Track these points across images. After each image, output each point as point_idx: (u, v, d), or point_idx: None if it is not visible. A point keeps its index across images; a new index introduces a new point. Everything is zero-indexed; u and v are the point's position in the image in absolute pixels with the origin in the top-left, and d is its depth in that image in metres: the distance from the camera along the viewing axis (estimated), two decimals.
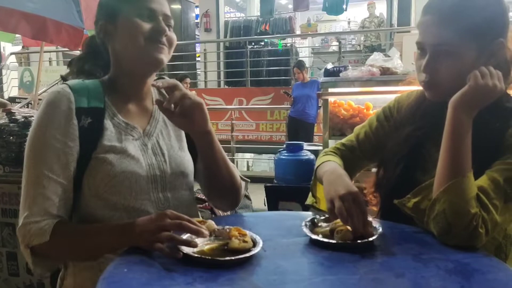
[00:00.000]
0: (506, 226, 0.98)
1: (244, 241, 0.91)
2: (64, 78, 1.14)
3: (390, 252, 0.90)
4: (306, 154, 2.95)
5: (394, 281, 0.77)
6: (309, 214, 1.12)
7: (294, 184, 2.82)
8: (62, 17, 3.03)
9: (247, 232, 0.95)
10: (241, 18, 11.72)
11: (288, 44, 10.15)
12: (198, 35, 10.76)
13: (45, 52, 5.73)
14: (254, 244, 0.92)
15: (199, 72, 9.87)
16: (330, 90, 2.71)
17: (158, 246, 0.86)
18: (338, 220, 1.02)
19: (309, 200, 1.33)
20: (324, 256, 0.89)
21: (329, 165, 1.21)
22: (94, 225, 1.01)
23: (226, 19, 10.93)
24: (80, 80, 1.08)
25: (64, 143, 0.99)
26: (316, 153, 3.04)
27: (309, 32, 11.08)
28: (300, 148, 2.96)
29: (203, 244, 0.93)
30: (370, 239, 0.94)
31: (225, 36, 10.39)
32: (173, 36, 1.09)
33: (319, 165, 1.24)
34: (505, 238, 1.04)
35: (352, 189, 1.02)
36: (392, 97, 2.61)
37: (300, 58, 8.40)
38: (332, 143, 2.81)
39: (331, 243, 0.93)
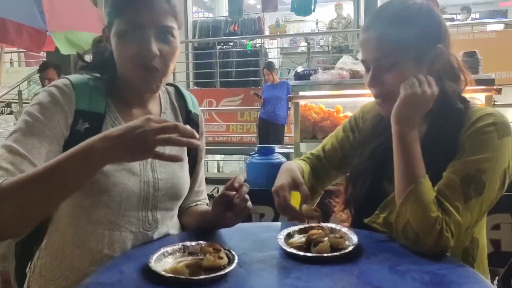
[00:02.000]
0: (470, 226, 1.00)
1: (219, 257, 0.88)
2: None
3: (367, 264, 0.89)
4: (278, 158, 2.93)
5: None
6: (284, 225, 1.11)
7: (266, 187, 2.79)
8: (23, 18, 2.91)
9: (221, 247, 0.92)
10: (209, 18, 11.63)
11: (257, 45, 10.14)
12: None
13: (6, 52, 5.50)
14: (229, 260, 0.89)
15: None
16: (301, 93, 2.71)
17: (155, 152, 0.77)
18: (314, 231, 1.01)
19: None
20: (301, 270, 0.87)
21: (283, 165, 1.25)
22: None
23: (194, 19, 10.82)
24: (84, 78, 0.99)
25: (54, 134, 0.90)
26: (287, 156, 3.05)
27: (278, 33, 11.10)
28: (272, 151, 2.95)
29: (177, 261, 0.91)
30: (347, 250, 0.93)
31: (194, 37, 10.29)
32: (169, 51, 0.96)
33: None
34: (472, 242, 1.06)
35: (279, 183, 1.09)
36: (362, 100, 2.64)
37: (269, 59, 8.41)
38: (303, 146, 2.82)
39: (308, 256, 0.92)
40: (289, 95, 2.73)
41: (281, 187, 1.08)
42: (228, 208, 1.01)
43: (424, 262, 0.89)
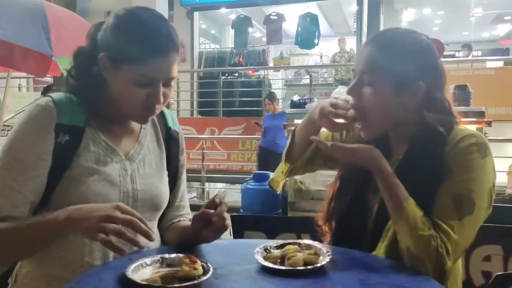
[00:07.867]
0: (467, 245, 1.02)
1: (195, 268, 0.91)
2: (47, 89, 1.15)
3: (338, 278, 0.92)
4: None
5: None
6: (263, 241, 1.14)
7: (260, 213, 2.82)
8: (30, 43, 3.00)
9: (198, 259, 0.95)
10: (215, 49, 11.89)
11: (261, 76, 10.31)
12: None
13: (14, 78, 5.59)
14: (205, 271, 0.92)
15: (172, 101, 9.86)
16: (296, 121, 2.76)
17: (102, 237, 0.86)
18: (289, 246, 1.04)
19: (277, 172, 1.35)
20: (275, 283, 0.90)
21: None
22: (29, 218, 0.97)
23: (200, 49, 11.06)
24: (66, 95, 1.05)
25: (37, 155, 0.98)
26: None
27: (281, 65, 11.30)
28: (266, 177, 2.98)
29: (154, 272, 0.94)
30: (319, 264, 0.95)
31: (199, 67, 10.50)
32: (168, 93, 1.04)
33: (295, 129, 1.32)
34: None
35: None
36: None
37: (273, 90, 8.54)
38: (298, 176, 2.85)
39: (282, 269, 0.95)
40: (284, 123, 2.79)
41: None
42: (207, 225, 1.04)
43: (393, 276, 0.91)
